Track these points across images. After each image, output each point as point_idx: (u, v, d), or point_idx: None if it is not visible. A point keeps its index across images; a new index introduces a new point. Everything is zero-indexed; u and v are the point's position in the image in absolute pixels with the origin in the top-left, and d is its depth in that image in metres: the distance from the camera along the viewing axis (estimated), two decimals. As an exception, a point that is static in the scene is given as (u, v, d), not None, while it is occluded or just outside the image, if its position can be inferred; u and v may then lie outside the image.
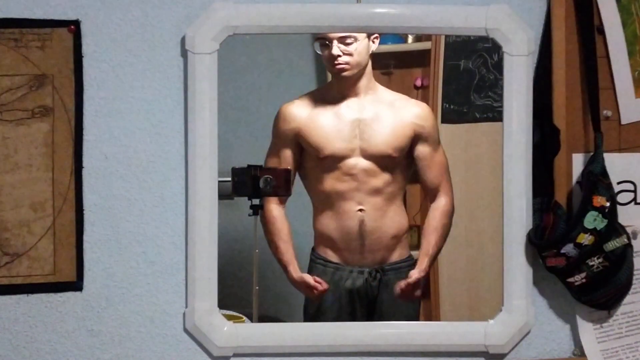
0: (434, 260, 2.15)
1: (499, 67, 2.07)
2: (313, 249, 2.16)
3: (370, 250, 2.15)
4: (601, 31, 2.07)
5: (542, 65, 2.07)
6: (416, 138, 2.14)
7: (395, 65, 2.18)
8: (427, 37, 2.16)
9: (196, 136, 2.01)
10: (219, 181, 2.03)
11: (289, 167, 2.12)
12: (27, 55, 1.99)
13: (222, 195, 2.03)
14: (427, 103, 2.18)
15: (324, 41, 2.10)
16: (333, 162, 2.13)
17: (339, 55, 2.10)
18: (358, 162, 2.12)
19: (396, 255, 2.16)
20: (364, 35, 2.10)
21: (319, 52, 2.12)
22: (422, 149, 2.15)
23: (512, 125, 2.06)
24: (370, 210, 2.14)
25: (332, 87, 2.14)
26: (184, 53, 2.02)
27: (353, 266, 2.16)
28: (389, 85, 2.16)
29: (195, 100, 2.00)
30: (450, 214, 2.15)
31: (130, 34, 2.02)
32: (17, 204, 2.00)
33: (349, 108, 2.13)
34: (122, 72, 2.03)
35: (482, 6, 2.04)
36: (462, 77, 2.15)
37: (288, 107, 2.13)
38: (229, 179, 2.07)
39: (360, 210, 2.14)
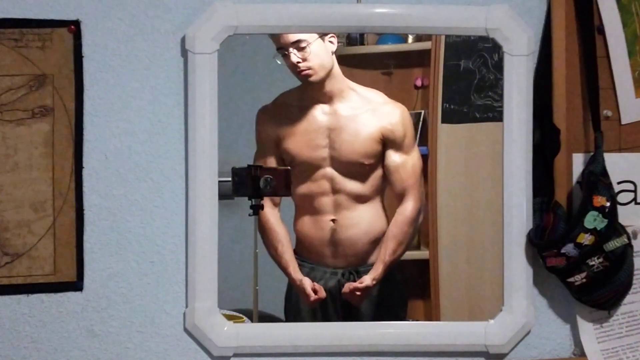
0: (389, 267, 2.13)
1: (499, 67, 2.07)
2: (294, 249, 2.17)
3: (344, 255, 2.16)
4: (601, 31, 2.07)
5: (542, 65, 2.07)
6: (385, 142, 2.13)
7: (395, 65, 2.18)
8: (427, 37, 2.16)
9: (196, 136, 2.01)
10: (219, 181, 2.03)
11: (289, 167, 2.11)
12: (27, 55, 1.99)
13: (222, 195, 2.03)
14: (427, 103, 2.18)
15: (282, 51, 2.10)
16: (304, 170, 2.13)
17: (299, 62, 2.10)
18: (329, 172, 2.12)
19: (374, 258, 2.15)
20: (316, 36, 2.09)
21: (280, 62, 2.10)
22: (391, 154, 2.14)
23: (512, 125, 2.06)
24: (343, 219, 2.14)
25: (304, 92, 2.13)
26: (184, 53, 2.02)
27: (327, 267, 2.16)
28: (389, 85, 2.16)
29: (195, 100, 2.00)
30: (415, 221, 2.15)
31: (130, 34, 2.02)
32: (17, 204, 2.00)
33: (321, 115, 2.12)
34: (122, 72, 2.03)
35: (482, 6, 2.04)
36: (462, 77, 2.15)
37: (265, 114, 2.13)
38: (229, 179, 2.07)
39: (333, 220, 2.14)
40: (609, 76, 2.09)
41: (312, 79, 2.11)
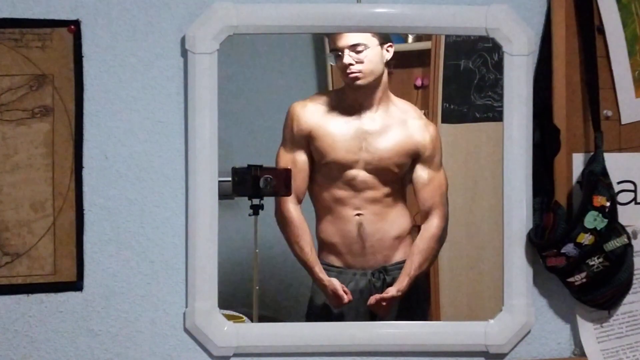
0: (414, 281, 2.13)
1: (499, 67, 2.07)
2: (317, 256, 2.16)
3: (372, 252, 2.15)
4: (601, 31, 2.08)
5: (542, 65, 2.07)
6: (417, 158, 2.14)
7: (395, 65, 2.17)
8: (427, 37, 2.16)
9: (196, 136, 2.01)
10: (219, 181, 2.03)
11: (289, 168, 2.11)
12: (27, 55, 1.99)
13: (222, 195, 2.03)
14: (427, 103, 2.18)
15: (336, 52, 2.10)
16: (334, 170, 2.12)
17: (351, 64, 2.10)
18: (359, 174, 2.12)
19: (399, 255, 2.16)
20: (376, 42, 2.10)
21: (333, 64, 2.11)
22: (420, 169, 2.14)
23: (512, 125, 2.06)
24: (369, 214, 2.14)
25: (347, 95, 2.13)
26: (184, 53, 2.02)
27: (356, 269, 2.16)
28: (389, 85, 2.16)
29: (195, 100, 2.00)
30: (441, 238, 2.15)
31: (130, 34, 2.02)
32: (17, 204, 2.00)
33: (360, 119, 2.12)
34: (122, 72, 2.03)
35: (482, 6, 2.04)
36: (462, 77, 2.15)
37: (301, 108, 2.12)
38: (229, 179, 2.07)
39: (358, 214, 2.14)
40: (609, 76, 2.09)
41: (359, 82, 2.11)
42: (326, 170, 2.13)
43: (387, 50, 2.12)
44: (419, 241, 2.15)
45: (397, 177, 2.14)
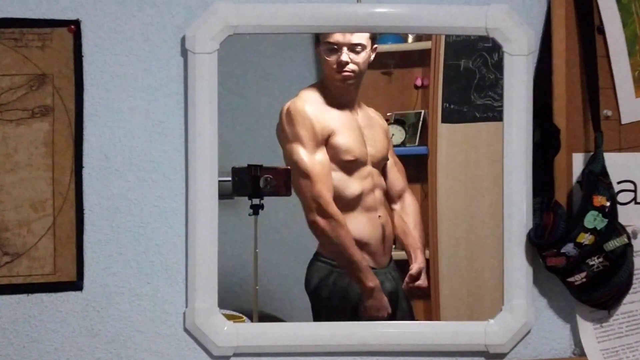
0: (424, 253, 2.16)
1: (499, 66, 2.07)
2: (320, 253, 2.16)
3: (387, 252, 2.17)
4: (601, 31, 2.08)
5: (542, 65, 2.07)
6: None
7: (396, 65, 2.18)
8: (427, 37, 2.16)
9: (196, 136, 2.01)
10: (219, 181, 2.03)
11: (289, 167, 2.11)
12: (27, 55, 1.99)
13: (222, 195, 2.03)
14: (427, 103, 2.19)
15: (332, 45, 2.10)
16: (354, 167, 2.13)
17: (347, 62, 2.10)
18: (371, 170, 2.14)
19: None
20: (370, 44, 2.11)
21: (326, 57, 2.11)
22: (390, 155, 2.17)
23: (512, 125, 2.06)
24: (384, 215, 2.16)
25: (331, 93, 2.13)
26: (184, 53, 2.02)
27: (384, 268, 2.16)
28: (389, 85, 2.17)
29: (195, 100, 2.01)
30: (419, 212, 2.18)
31: (130, 34, 2.02)
32: (17, 203, 2.00)
33: (354, 114, 2.13)
34: (122, 72, 2.03)
35: (482, 6, 2.05)
36: (462, 77, 2.15)
37: (310, 106, 2.11)
38: (229, 178, 2.07)
39: (379, 216, 2.15)
40: (609, 76, 2.09)
41: (349, 82, 2.12)
42: (346, 168, 2.13)
43: (373, 52, 2.12)
44: (407, 218, 2.18)
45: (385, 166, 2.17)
